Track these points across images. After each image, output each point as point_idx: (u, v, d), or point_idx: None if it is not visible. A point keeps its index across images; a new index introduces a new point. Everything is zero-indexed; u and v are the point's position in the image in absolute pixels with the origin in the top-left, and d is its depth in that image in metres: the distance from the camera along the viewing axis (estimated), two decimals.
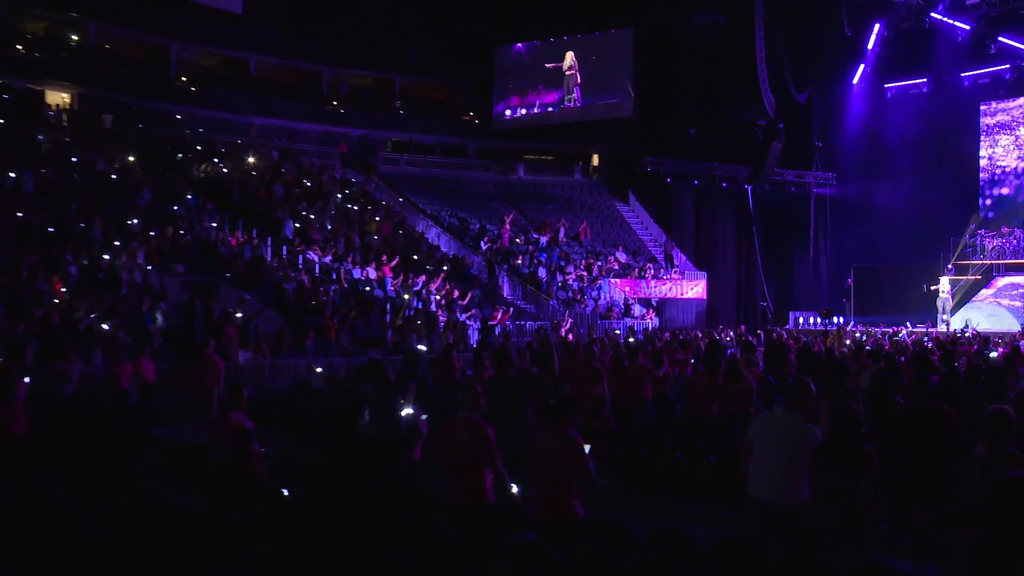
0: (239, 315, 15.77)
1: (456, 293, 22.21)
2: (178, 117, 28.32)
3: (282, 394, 13.12)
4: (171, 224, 20.15)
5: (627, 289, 26.92)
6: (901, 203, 28.78)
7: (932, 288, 24.77)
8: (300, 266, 20.59)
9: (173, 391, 11.22)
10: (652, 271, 27.90)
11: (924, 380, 6.90)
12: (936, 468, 6.51)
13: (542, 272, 26.01)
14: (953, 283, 25.33)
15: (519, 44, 32.64)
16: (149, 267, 17.83)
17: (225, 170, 25.43)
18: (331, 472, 5.24)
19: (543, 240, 28.23)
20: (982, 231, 27.28)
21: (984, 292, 25.98)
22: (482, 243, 26.81)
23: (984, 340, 14.72)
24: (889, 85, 30.49)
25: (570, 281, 26.09)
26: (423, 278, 22.09)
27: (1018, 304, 25.03)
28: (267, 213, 23.16)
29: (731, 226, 31.78)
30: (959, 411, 7.07)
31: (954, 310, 25.03)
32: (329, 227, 23.78)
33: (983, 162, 28.84)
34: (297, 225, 23.00)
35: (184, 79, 29.51)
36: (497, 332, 20.37)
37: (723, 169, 31.27)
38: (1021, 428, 5.44)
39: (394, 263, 22.23)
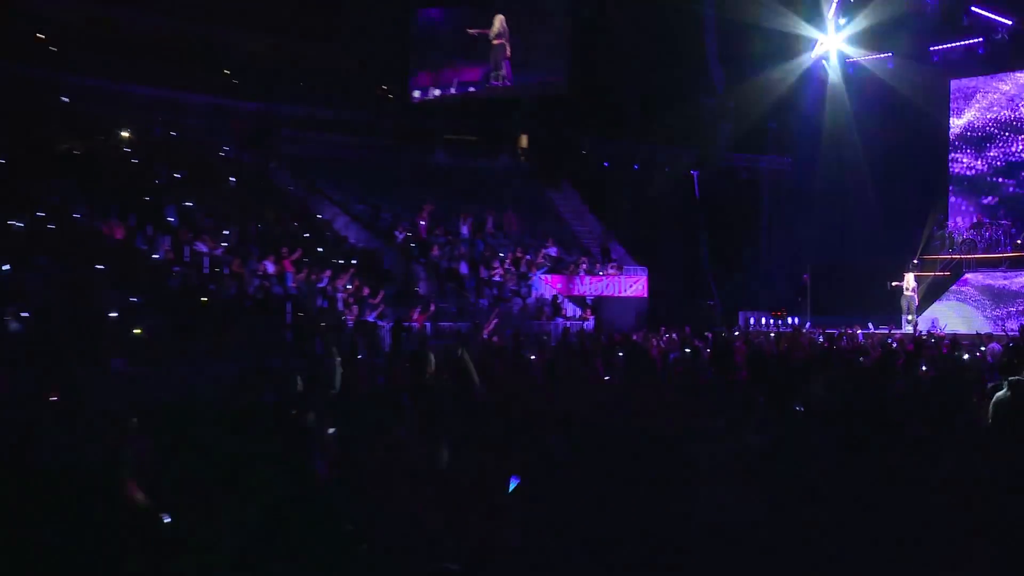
0: None
1: (367, 290, 22.04)
2: (36, 82, 27.29)
3: (166, 407, 12.79)
4: (30, 210, 19.49)
5: (559, 286, 27.06)
6: (864, 191, 29.49)
7: (894, 285, 25.41)
8: (186, 259, 20.18)
9: (29, 406, 10.85)
10: (586, 266, 28.12)
11: (886, 387, 7.13)
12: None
13: (464, 267, 26.00)
14: (919, 280, 25.88)
15: (435, 8, 32.31)
16: (6, 266, 17.20)
17: (95, 147, 24.71)
18: (224, 491, 5.16)
19: (465, 231, 28.21)
20: (952, 222, 28.06)
21: (953, 290, 26.70)
22: (396, 234, 26.64)
23: (954, 342, 15.22)
24: (851, 59, 31.20)
25: (496, 277, 26.11)
26: (329, 273, 21.90)
27: (989, 303, 25.81)
28: (147, 198, 22.59)
29: (675, 216, 32.18)
30: (924, 420, 7.32)
31: (919, 309, 25.75)
32: (221, 214, 23.36)
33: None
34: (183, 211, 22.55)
35: (42, 37, 28.48)
36: (413, 334, 20.32)
37: (666, 153, 31.70)
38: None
39: (295, 256, 21.95)
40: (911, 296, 24.91)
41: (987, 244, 27.11)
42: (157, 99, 29.23)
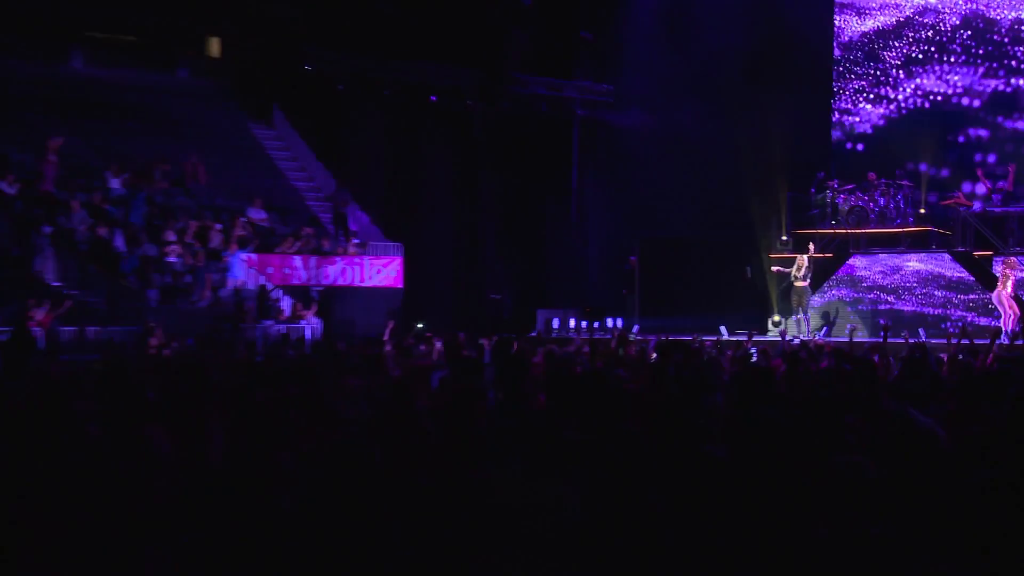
0: None
1: None
2: None
3: None
4: None
5: (269, 271, 26.71)
6: (715, 135, 30.36)
7: (777, 271, 26.12)
8: None
9: None
10: (312, 241, 27.91)
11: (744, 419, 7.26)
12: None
13: (119, 240, 25.27)
14: (785, 263, 26.62)
15: None
16: None
17: None
18: None
19: (117, 184, 27.40)
20: (835, 182, 29.23)
21: (838, 278, 27.66)
22: (4, 187, 25.57)
23: (840, 353, 15.86)
24: None
25: (171, 257, 25.52)
26: None
27: (885, 295, 27.02)
28: None
29: (445, 168, 32.35)
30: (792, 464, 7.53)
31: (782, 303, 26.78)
32: None
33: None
34: None
35: None
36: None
37: (431, 73, 31.72)
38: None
39: None
40: (804, 287, 25.68)
41: (882, 214, 28.31)
42: None
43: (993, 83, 29.87)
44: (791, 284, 25.77)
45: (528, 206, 32.96)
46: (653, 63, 31.57)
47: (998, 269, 23.77)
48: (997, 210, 26.70)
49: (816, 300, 27.08)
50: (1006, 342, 20.81)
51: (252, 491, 7.46)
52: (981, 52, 29.91)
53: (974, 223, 26.68)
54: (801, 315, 25.63)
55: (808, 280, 25.56)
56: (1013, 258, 24.08)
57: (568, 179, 33.09)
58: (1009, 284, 23.13)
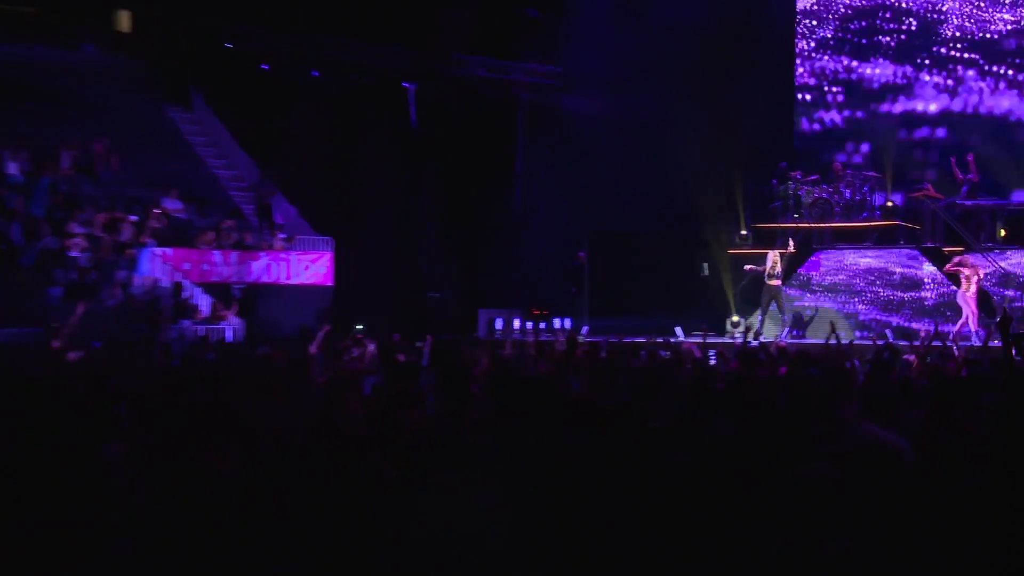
0: None
1: None
2: None
3: None
4: None
5: (186, 267, 26.48)
6: (669, 121, 30.32)
7: (750, 269, 26.18)
8: None
9: None
10: (234, 235, 27.72)
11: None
12: None
13: (16, 232, 25.04)
14: (755, 261, 26.57)
15: None
16: None
17: None
18: None
19: (14, 168, 27.13)
20: (798, 173, 29.38)
21: (803, 276, 27.81)
22: None
23: (802, 358, 15.84)
24: None
25: (74, 251, 25.27)
26: None
27: (856, 294, 27.19)
28: None
29: (380, 156, 32.18)
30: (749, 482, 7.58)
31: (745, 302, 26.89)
32: None
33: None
34: None
35: None
36: None
37: (364, 52, 31.60)
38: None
39: None
40: (777, 287, 25.85)
41: (847, 207, 28.43)
42: None
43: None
44: (761, 282, 25.86)
45: (470, 197, 32.84)
46: (604, 43, 31.35)
47: (957, 269, 23.90)
48: (967, 203, 26.88)
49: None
50: (977, 343, 21.04)
51: (170, 502, 7.43)
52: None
53: (944, 217, 26.80)
54: (780, 316, 25.79)
55: (780, 279, 25.59)
56: (968, 256, 24.36)
57: (510, 167, 33.04)
58: (973, 284, 23.39)
